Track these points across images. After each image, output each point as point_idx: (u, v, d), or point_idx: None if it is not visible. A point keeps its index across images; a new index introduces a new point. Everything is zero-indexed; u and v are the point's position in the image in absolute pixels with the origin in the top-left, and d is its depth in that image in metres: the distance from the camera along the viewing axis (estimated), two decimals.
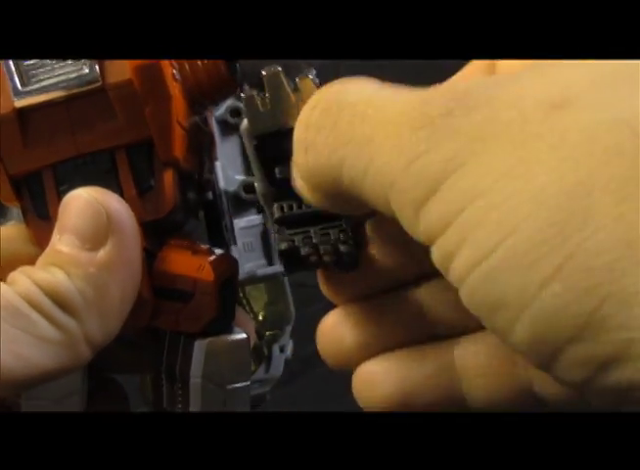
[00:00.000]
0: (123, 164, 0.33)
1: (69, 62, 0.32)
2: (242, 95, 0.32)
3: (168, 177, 0.33)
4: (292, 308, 0.52)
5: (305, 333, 0.99)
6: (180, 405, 0.35)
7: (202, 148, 0.38)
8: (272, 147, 0.32)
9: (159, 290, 0.34)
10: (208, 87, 0.35)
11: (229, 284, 0.35)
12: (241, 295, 0.50)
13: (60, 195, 0.33)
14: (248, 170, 0.43)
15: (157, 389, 0.36)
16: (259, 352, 0.52)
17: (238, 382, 0.35)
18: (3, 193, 0.34)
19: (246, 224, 0.43)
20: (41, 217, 0.34)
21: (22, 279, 0.30)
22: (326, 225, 0.32)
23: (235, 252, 0.42)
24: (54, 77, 0.32)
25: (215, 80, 0.35)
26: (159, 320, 0.34)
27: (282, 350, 0.54)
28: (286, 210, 0.33)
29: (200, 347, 0.34)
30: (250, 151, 0.33)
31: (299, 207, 0.33)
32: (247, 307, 0.51)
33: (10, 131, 0.32)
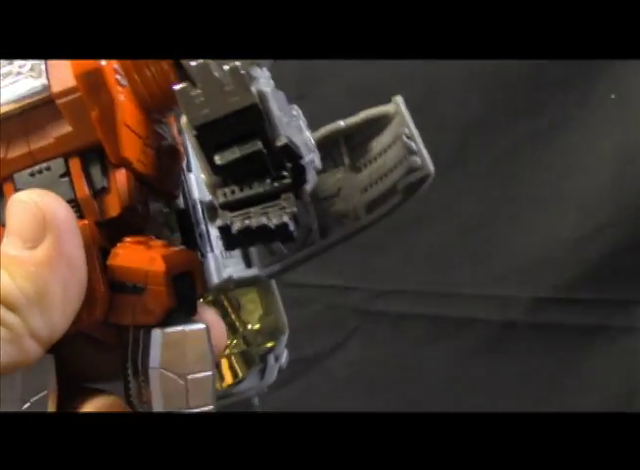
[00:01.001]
0: (76, 168, 0.34)
1: (20, 74, 0.34)
2: (174, 89, 0.34)
3: (121, 177, 0.35)
4: (284, 320, 0.52)
5: (304, 333, 1.00)
6: (145, 398, 0.35)
7: (168, 158, 0.39)
8: (210, 135, 0.33)
9: (113, 284, 0.34)
10: (159, 94, 0.36)
11: (185, 278, 0.36)
12: (226, 303, 0.51)
13: None
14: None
15: (125, 385, 0.37)
16: (249, 358, 0.53)
17: (198, 372, 0.36)
18: None
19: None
20: (3, 225, 0.34)
21: None
22: (266, 205, 0.33)
23: (212, 259, 0.43)
24: (6, 92, 0.34)
25: (165, 87, 0.35)
26: (116, 315, 0.35)
27: (277, 359, 0.55)
28: (228, 195, 0.34)
29: (156, 337, 0.35)
30: (191, 142, 0.35)
31: (241, 190, 0.34)
32: (234, 316, 0.52)
33: None
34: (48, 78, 0.33)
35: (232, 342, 0.49)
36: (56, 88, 0.33)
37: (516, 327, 1.01)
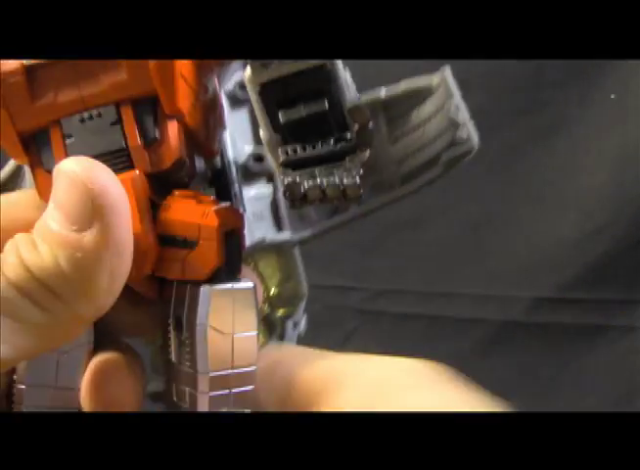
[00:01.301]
0: (128, 116, 0.33)
1: None
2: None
3: (173, 129, 0.34)
4: (305, 284, 0.51)
5: (306, 334, 1.00)
6: (188, 356, 0.35)
7: (211, 113, 0.38)
8: (275, 93, 0.33)
9: (163, 238, 0.34)
10: None
11: (234, 235, 0.35)
12: (251, 265, 0.50)
13: (66, 148, 0.33)
14: (257, 141, 0.44)
15: (165, 343, 0.36)
16: (270, 323, 0.52)
17: (244, 331, 0.35)
18: (12, 149, 0.34)
19: (255, 194, 0.44)
20: (49, 171, 0.33)
21: (13, 261, 0.29)
22: (330, 165, 0.33)
23: (244, 219, 0.41)
24: None
25: None
26: (164, 269, 0.34)
27: (295, 325, 0.54)
28: (290, 153, 0.34)
29: (205, 293, 0.34)
30: (254, 99, 0.34)
31: (304, 150, 0.34)
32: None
33: (17, 88, 0.32)
34: None
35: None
36: None
37: (516, 327, 1.01)
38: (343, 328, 1.02)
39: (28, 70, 0.32)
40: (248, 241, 0.40)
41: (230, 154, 0.41)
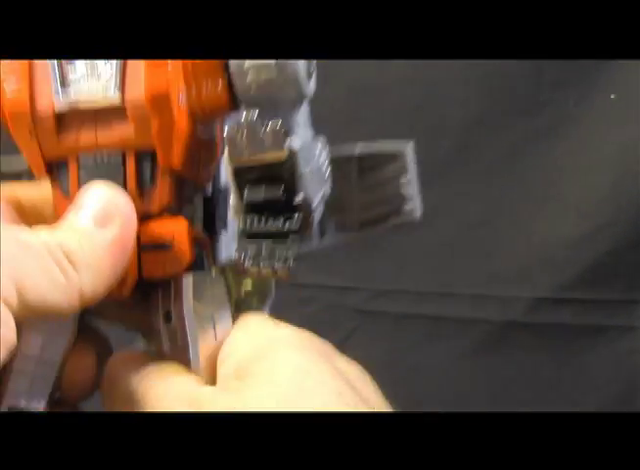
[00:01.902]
0: (131, 164, 0.42)
1: (102, 79, 0.41)
2: (225, 130, 0.41)
3: (165, 182, 0.42)
4: (272, 284, 0.55)
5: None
6: (180, 342, 0.42)
7: (206, 152, 0.46)
8: (245, 173, 0.42)
9: (145, 245, 0.42)
10: (210, 108, 0.42)
11: (201, 243, 0.44)
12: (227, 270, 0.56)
13: (79, 179, 0.42)
14: None
15: (156, 335, 0.43)
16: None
17: (221, 310, 0.44)
18: (37, 171, 0.43)
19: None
20: (63, 193, 0.43)
21: (47, 234, 0.38)
22: (276, 241, 0.42)
23: (224, 237, 0.48)
24: (87, 93, 0.41)
25: (217, 104, 0.42)
26: (150, 270, 0.42)
27: None
28: (248, 223, 0.42)
29: (187, 280, 0.42)
30: (229, 173, 0.42)
31: (259, 222, 0.42)
32: (232, 282, 0.56)
33: (48, 126, 0.41)
34: (123, 91, 0.40)
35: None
36: (129, 101, 0.40)
37: (515, 327, 1.01)
38: (343, 328, 1.02)
39: (58, 114, 0.41)
40: (224, 254, 0.48)
41: (222, 179, 0.48)
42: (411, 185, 0.52)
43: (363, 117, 0.99)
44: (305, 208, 0.42)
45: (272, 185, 0.41)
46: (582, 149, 1.00)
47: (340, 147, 0.51)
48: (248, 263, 0.42)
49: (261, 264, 0.42)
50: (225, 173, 0.47)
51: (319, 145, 0.45)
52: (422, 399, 1.03)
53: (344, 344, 1.06)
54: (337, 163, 0.49)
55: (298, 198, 0.41)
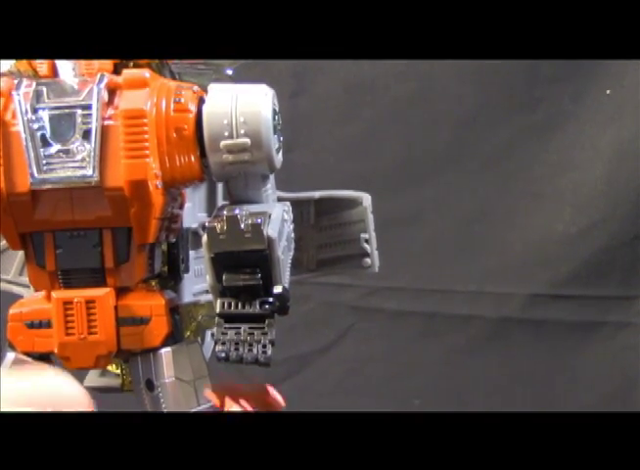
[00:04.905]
0: (108, 241, 0.43)
1: (77, 158, 0.41)
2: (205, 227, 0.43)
3: (141, 256, 0.44)
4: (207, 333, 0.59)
5: (300, 331, 1.00)
6: (163, 406, 0.43)
7: (172, 216, 0.47)
8: (223, 260, 0.43)
9: (123, 319, 0.43)
10: (183, 178, 0.44)
11: (176, 311, 0.46)
12: (190, 313, 0.59)
13: (56, 253, 0.43)
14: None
15: (141, 402, 0.44)
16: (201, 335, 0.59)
17: (200, 377, 0.45)
18: (11, 243, 0.43)
19: (199, 254, 0.52)
20: (39, 266, 0.43)
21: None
22: (253, 326, 0.43)
23: (187, 278, 0.51)
24: (62, 171, 0.41)
25: (189, 174, 0.44)
26: (127, 342, 0.43)
27: (212, 335, 0.58)
28: (226, 306, 0.43)
29: (167, 354, 0.44)
30: (206, 258, 0.43)
31: (237, 306, 0.43)
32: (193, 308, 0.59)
33: (23, 203, 0.42)
34: (101, 172, 0.41)
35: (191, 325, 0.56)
36: (108, 184, 0.42)
37: (511, 323, 1.02)
38: (339, 325, 1.02)
39: (34, 193, 0.42)
40: (188, 297, 0.51)
41: (185, 223, 0.50)
42: (370, 242, 0.56)
43: (358, 114, 0.99)
44: (283, 296, 0.43)
45: (250, 271, 0.42)
46: (577, 145, 1.00)
47: (300, 192, 0.54)
48: (230, 355, 0.42)
49: (244, 357, 0.42)
50: (186, 215, 0.50)
51: (284, 209, 0.46)
52: (417, 394, 1.03)
53: (340, 341, 1.06)
54: (296, 204, 0.52)
55: (277, 290, 0.42)
